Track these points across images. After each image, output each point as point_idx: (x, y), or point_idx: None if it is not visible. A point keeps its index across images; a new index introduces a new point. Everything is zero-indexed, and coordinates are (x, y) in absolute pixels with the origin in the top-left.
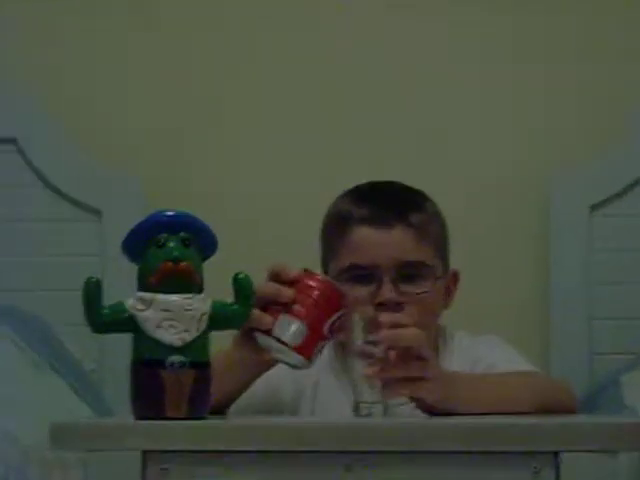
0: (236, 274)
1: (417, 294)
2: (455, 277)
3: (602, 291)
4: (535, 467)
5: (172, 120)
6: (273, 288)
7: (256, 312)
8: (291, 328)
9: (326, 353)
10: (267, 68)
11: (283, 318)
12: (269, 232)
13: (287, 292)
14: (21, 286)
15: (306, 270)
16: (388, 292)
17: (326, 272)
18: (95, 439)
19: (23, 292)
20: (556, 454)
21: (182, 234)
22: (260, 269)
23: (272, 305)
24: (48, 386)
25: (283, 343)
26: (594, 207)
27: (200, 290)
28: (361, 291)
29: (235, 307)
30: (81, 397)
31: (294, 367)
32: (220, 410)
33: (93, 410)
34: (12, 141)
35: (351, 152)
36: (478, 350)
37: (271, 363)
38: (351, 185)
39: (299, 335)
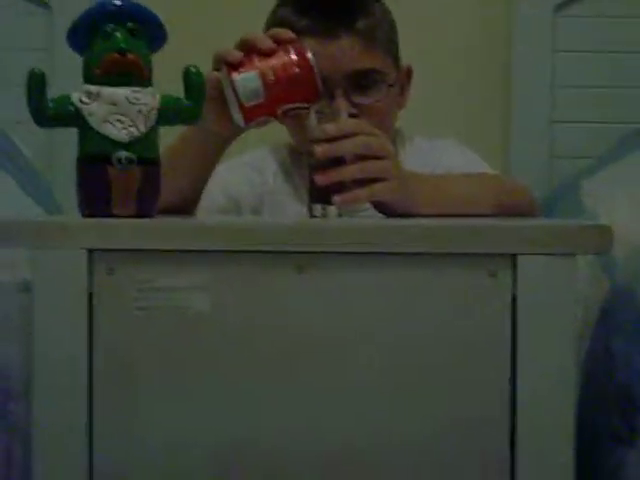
0: (187, 67)
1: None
2: (409, 73)
3: (565, 93)
4: (491, 269)
5: None
6: (254, 39)
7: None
8: (251, 85)
9: (280, 157)
10: None
11: (251, 72)
12: (223, 24)
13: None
14: None
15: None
16: (342, 105)
17: None
18: (41, 237)
19: None
20: (513, 256)
21: (129, 24)
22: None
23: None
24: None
25: (236, 95)
26: (558, 7)
27: (149, 84)
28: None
29: (186, 102)
30: (31, 195)
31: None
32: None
33: (44, 209)
34: None
35: None
36: (437, 153)
37: (226, 136)
38: None
39: (253, 97)
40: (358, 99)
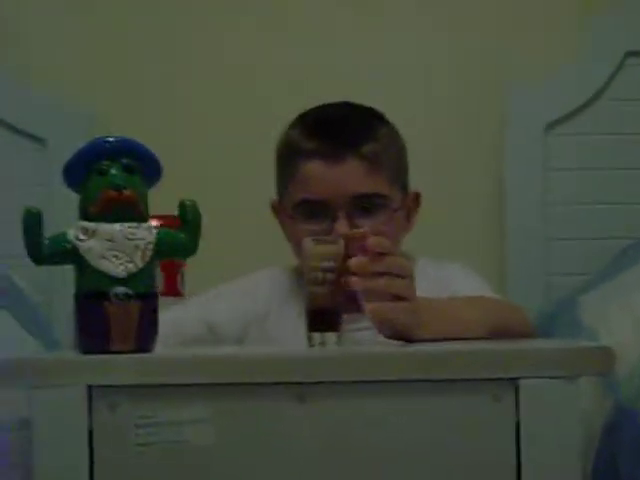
0: (182, 201)
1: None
2: (417, 199)
3: (559, 211)
4: (495, 394)
5: (118, 50)
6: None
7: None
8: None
9: (281, 281)
10: None
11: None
12: (217, 160)
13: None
14: None
15: None
16: (343, 227)
17: (281, 204)
18: (39, 375)
19: None
20: (516, 380)
21: (125, 160)
22: (207, 196)
23: None
24: None
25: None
26: (550, 125)
27: (145, 219)
28: (316, 227)
29: (182, 236)
30: (29, 330)
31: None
32: None
33: (42, 344)
34: None
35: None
36: (445, 280)
37: None
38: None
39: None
40: (360, 222)
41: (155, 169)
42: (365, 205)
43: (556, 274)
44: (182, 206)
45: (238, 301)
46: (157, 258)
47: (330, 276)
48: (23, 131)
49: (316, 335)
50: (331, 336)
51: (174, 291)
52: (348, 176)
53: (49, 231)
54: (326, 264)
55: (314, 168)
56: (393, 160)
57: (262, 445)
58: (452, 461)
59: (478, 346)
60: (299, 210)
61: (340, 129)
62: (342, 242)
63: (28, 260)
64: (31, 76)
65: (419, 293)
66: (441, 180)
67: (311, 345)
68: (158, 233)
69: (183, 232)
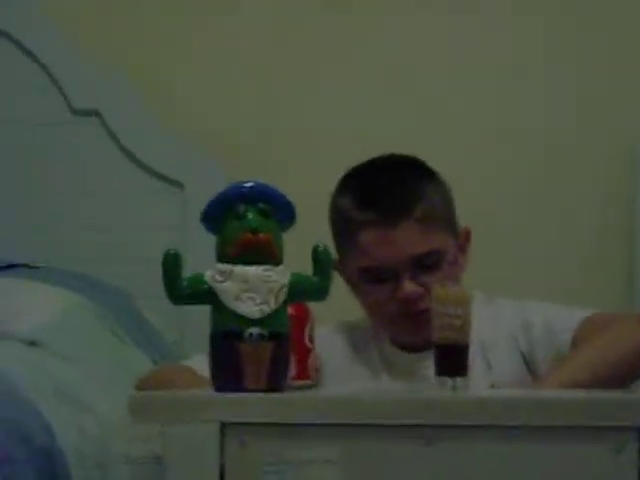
0: (315, 246)
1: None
2: (467, 236)
3: None
4: (616, 445)
5: (250, 90)
6: None
7: None
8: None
9: (351, 334)
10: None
11: None
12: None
13: None
14: (104, 258)
15: None
16: (408, 287)
17: (344, 265)
18: (174, 411)
19: (106, 264)
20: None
21: (261, 205)
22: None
23: None
24: (129, 358)
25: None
26: None
27: (279, 262)
28: (382, 290)
29: (314, 279)
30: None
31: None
32: None
33: None
34: (95, 113)
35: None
36: (526, 311)
37: None
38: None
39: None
40: (423, 279)
41: (289, 213)
42: (424, 263)
43: None
44: (315, 251)
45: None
46: (290, 300)
47: (459, 322)
48: (161, 174)
49: (447, 379)
50: (462, 380)
51: (305, 374)
52: (404, 240)
53: (185, 273)
54: (453, 310)
55: (370, 237)
56: (442, 211)
57: None
58: None
59: (599, 393)
60: (363, 275)
61: (389, 197)
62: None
63: (162, 301)
64: (174, 118)
65: (500, 331)
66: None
67: (442, 388)
68: (291, 276)
69: (315, 276)
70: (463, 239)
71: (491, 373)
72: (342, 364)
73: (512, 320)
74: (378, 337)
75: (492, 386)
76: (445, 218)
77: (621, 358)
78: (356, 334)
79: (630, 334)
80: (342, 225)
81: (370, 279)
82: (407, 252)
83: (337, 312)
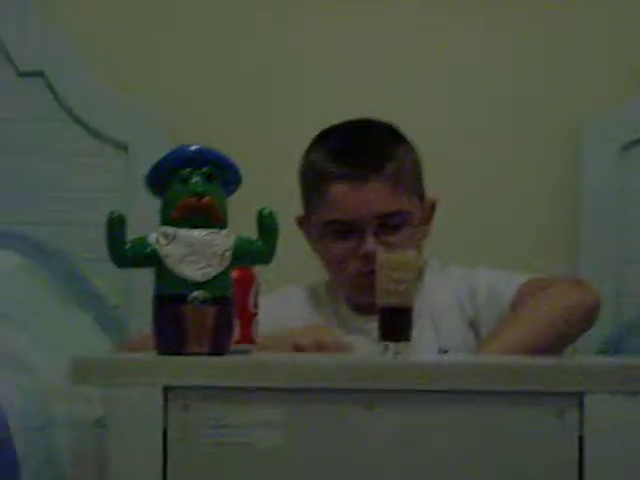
0: (260, 209)
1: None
2: (433, 206)
3: (634, 234)
4: (559, 408)
5: (197, 52)
6: None
7: None
8: None
9: (315, 295)
10: None
11: None
12: (292, 166)
13: None
14: (47, 221)
15: None
16: (371, 244)
17: (308, 220)
18: (116, 375)
19: (49, 227)
20: (580, 395)
21: (206, 169)
22: (284, 204)
23: None
24: (72, 321)
25: None
26: (626, 147)
27: (223, 226)
28: (345, 245)
29: (259, 243)
30: (106, 332)
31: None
32: None
33: (120, 345)
34: (40, 74)
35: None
36: (473, 279)
37: None
38: None
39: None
40: (386, 238)
41: (234, 177)
42: (390, 222)
43: (628, 295)
44: (260, 214)
45: (272, 312)
46: (234, 264)
47: (403, 286)
48: (106, 136)
49: (391, 345)
50: (405, 345)
51: (248, 339)
52: (373, 197)
53: (129, 237)
54: (397, 275)
55: (341, 191)
56: (411, 175)
57: (328, 449)
58: (512, 473)
59: (542, 359)
60: (328, 229)
61: (362, 152)
62: (415, 253)
63: (104, 264)
64: (120, 80)
65: (445, 295)
66: (515, 203)
67: (386, 354)
68: (236, 240)
69: (260, 240)
70: (429, 209)
71: (440, 338)
72: (299, 324)
73: (460, 287)
74: (335, 299)
75: (440, 351)
76: (414, 182)
77: (551, 321)
78: (313, 295)
79: (562, 297)
80: (313, 178)
81: (334, 233)
82: (374, 209)
83: (284, 277)
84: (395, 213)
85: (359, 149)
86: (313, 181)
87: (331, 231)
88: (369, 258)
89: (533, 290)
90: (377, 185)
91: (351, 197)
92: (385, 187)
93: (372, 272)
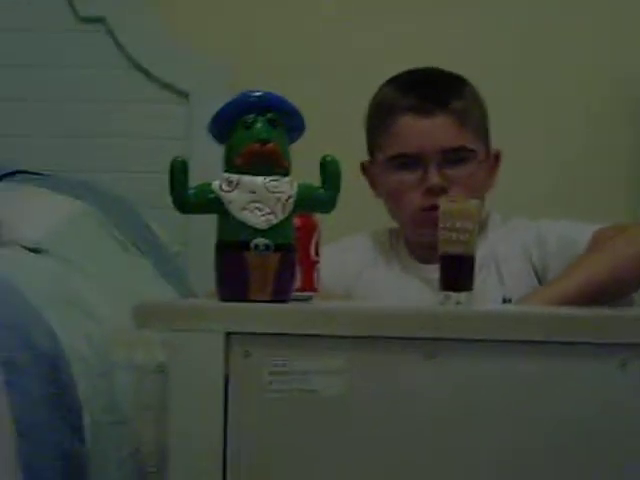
0: (323, 157)
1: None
2: (497, 158)
3: None
4: (621, 359)
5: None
6: None
7: None
8: None
9: (380, 242)
10: None
11: None
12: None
13: None
14: (108, 168)
15: None
16: (434, 177)
17: (372, 159)
18: (179, 320)
19: (110, 174)
20: None
21: (270, 115)
22: (349, 153)
23: None
24: (133, 267)
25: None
26: None
27: (287, 173)
28: (409, 177)
29: (321, 191)
30: (166, 279)
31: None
32: None
33: (178, 292)
34: (101, 20)
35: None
36: (540, 227)
37: None
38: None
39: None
40: (449, 172)
41: (298, 124)
42: (453, 158)
43: None
44: (323, 162)
45: (337, 260)
46: (297, 211)
47: (465, 235)
48: (167, 84)
49: (450, 294)
50: (466, 295)
51: (310, 286)
52: (438, 130)
53: (190, 185)
54: (460, 224)
55: (407, 123)
56: (477, 117)
57: (389, 398)
58: (575, 425)
59: (606, 310)
60: (393, 163)
61: (431, 87)
62: (478, 202)
63: (166, 211)
64: (181, 29)
65: (510, 246)
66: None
67: (446, 304)
68: (299, 187)
69: (323, 188)
70: (493, 159)
71: (504, 288)
72: (365, 269)
73: (526, 236)
74: (398, 246)
75: (504, 300)
76: (479, 126)
77: (635, 255)
78: (377, 242)
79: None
80: (382, 111)
81: (398, 166)
82: (438, 143)
83: (346, 225)
84: (459, 149)
85: (427, 84)
86: (380, 116)
87: (395, 166)
88: (432, 192)
89: (611, 234)
90: (443, 120)
91: (416, 130)
92: (450, 122)
93: (433, 208)
